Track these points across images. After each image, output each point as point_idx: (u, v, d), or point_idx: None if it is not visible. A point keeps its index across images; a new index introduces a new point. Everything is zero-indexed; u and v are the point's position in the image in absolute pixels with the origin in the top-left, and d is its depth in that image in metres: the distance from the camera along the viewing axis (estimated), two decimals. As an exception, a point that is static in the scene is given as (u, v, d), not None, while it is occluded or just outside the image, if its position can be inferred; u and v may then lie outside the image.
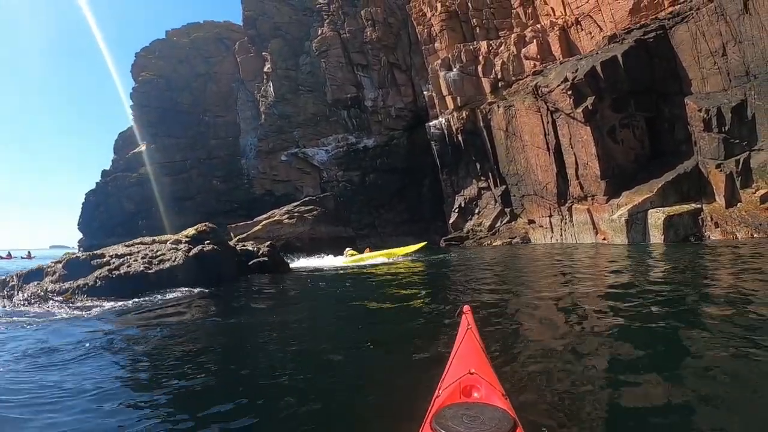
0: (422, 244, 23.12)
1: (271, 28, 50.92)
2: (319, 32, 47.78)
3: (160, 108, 51.87)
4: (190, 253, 14.28)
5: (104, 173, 52.58)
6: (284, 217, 29.42)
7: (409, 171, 43.88)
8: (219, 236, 17.38)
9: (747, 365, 4.50)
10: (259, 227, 28.88)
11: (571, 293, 9.33)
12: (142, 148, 50.18)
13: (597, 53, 26.59)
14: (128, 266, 13.13)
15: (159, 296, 11.86)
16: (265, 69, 49.96)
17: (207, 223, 17.41)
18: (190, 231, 16.53)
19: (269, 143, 48.85)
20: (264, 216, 30.89)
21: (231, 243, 19.80)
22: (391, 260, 21.76)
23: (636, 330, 6.02)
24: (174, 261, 13.60)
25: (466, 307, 4.35)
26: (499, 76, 34.52)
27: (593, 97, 24.48)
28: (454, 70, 36.93)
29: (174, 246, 14.74)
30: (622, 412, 3.74)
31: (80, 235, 52.54)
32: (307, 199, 33.91)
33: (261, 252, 19.10)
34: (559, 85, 25.77)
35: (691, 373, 4.39)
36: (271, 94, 48.98)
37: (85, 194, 52.45)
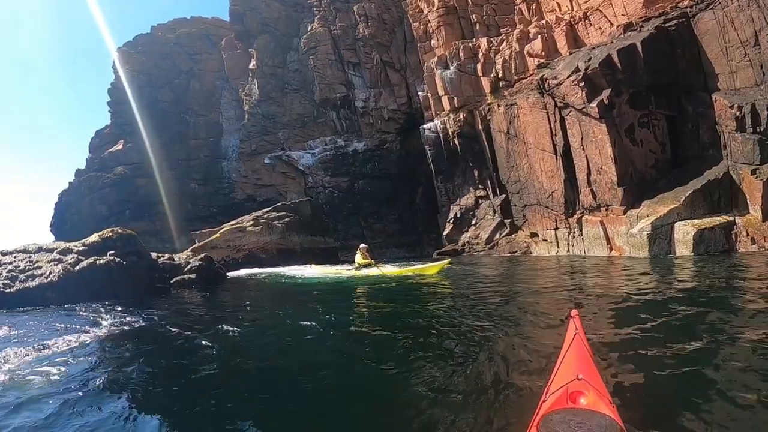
0: (446, 261, 18.27)
1: (259, 24, 48.17)
2: (309, 28, 44.96)
3: (138, 105, 48.70)
4: (77, 267, 11.15)
5: (78, 173, 49.43)
6: (249, 224, 26.20)
7: (402, 178, 41.06)
8: (133, 245, 14.20)
9: None
10: (217, 235, 25.71)
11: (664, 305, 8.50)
12: (119, 147, 47.12)
13: (612, 42, 23.49)
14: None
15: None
16: (251, 66, 47.07)
17: (117, 228, 14.35)
18: (93, 237, 13.43)
19: (252, 145, 45.91)
20: (231, 223, 27.74)
21: (154, 255, 16.52)
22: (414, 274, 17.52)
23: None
24: (48, 277, 10.49)
25: (573, 312, 4.56)
26: (500, 75, 31.48)
27: (609, 90, 21.35)
28: (452, 68, 33.97)
29: (59, 257, 11.61)
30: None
31: (53, 238, 49.19)
32: (280, 204, 30.89)
33: (189, 267, 15.85)
34: (569, 76, 22.65)
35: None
36: (256, 92, 46.12)
37: (59, 194, 49.28)
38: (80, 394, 4.94)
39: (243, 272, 24.14)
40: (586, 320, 6.90)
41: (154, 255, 16.24)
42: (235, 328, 8.08)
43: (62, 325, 8.48)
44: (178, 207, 45.26)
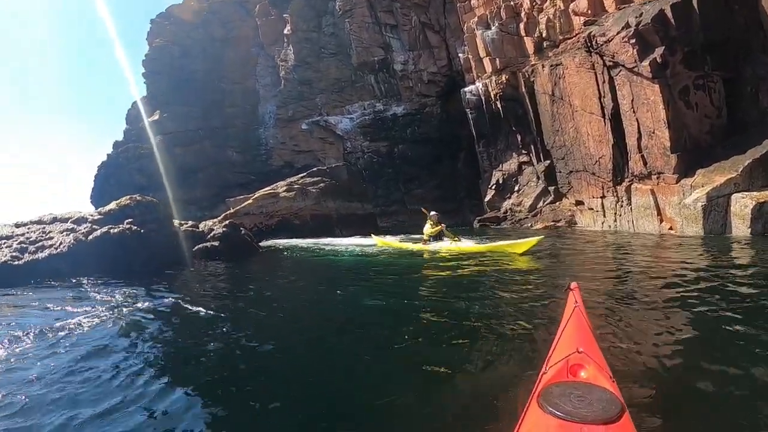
0: (539, 238, 14.06)
1: (293, -12, 46.91)
2: (345, -10, 43.59)
3: (173, 76, 48.92)
4: (90, 237, 10.71)
5: (116, 144, 50.07)
6: (282, 189, 25.59)
7: (443, 142, 40.07)
8: (153, 212, 13.68)
9: None
10: (249, 201, 25.20)
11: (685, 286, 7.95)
12: (155, 117, 47.15)
13: (665, -3, 21.78)
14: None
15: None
16: (285, 31, 46.13)
17: (136, 195, 13.86)
18: (111, 206, 13.01)
19: (289, 111, 45.31)
20: (265, 189, 27.24)
21: (177, 222, 15.88)
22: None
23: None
24: (57, 248, 10.10)
25: (573, 284, 4.44)
26: (543, 35, 29.84)
27: (662, 48, 19.69)
28: (493, 28, 32.49)
29: (72, 226, 11.22)
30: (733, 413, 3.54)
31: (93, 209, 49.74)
32: (315, 169, 30.22)
33: (213, 235, 15.26)
34: (619, 32, 21.03)
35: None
36: (291, 58, 45.30)
37: (97, 166, 49.94)
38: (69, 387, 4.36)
39: (281, 242, 23.42)
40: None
41: (176, 222, 15.69)
42: (265, 316, 7.35)
43: (61, 305, 7.89)
44: (216, 175, 45.23)
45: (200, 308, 7.38)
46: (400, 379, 4.49)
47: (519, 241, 13.88)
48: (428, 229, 16.47)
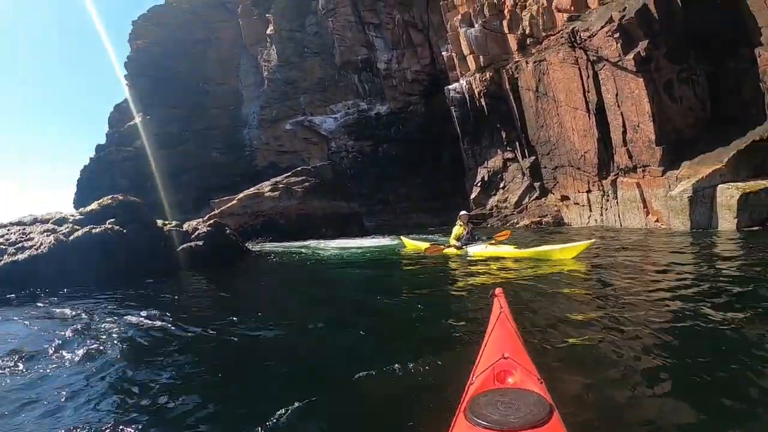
0: (590, 242, 11.91)
1: (275, -12, 46.64)
2: (328, -11, 43.43)
3: (156, 77, 48.23)
4: (71, 237, 10.51)
5: (98, 148, 49.36)
6: (267, 189, 25.42)
7: (427, 141, 39.91)
8: (136, 212, 13.46)
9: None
10: (234, 202, 25.01)
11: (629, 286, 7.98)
12: (138, 120, 46.63)
13: (649, -9, 21.90)
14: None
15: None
16: (268, 31, 45.88)
17: (118, 195, 13.63)
18: (92, 206, 12.79)
19: (273, 111, 44.91)
20: (250, 189, 27.07)
21: (160, 222, 15.46)
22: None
23: (696, 330, 5.30)
24: (38, 249, 9.91)
25: (498, 290, 4.50)
26: (527, 32, 29.87)
27: (646, 42, 19.81)
28: (476, 26, 32.49)
29: (53, 227, 11.02)
30: (654, 407, 3.63)
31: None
32: (300, 169, 30.09)
33: (197, 234, 14.96)
34: (603, 27, 21.10)
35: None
36: (275, 58, 44.92)
37: (80, 171, 49.28)
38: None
39: (276, 246, 22.46)
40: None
41: (160, 222, 15.29)
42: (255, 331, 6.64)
43: (38, 321, 7.47)
44: (200, 177, 44.79)
45: (180, 331, 6.61)
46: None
47: (568, 245, 11.72)
48: (457, 230, 14.44)
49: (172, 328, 6.76)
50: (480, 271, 11.25)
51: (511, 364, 3.14)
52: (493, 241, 13.92)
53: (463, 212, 15.18)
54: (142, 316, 7.35)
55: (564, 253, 11.56)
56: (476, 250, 13.46)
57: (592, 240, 12.00)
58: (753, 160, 17.87)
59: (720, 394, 3.71)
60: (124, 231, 12.22)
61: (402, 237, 18.93)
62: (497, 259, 12.41)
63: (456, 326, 6.11)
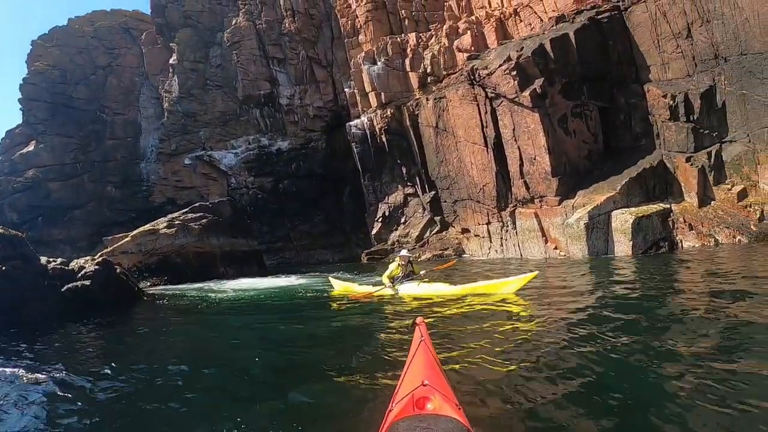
0: (532, 275, 10.87)
1: (181, 17, 45.32)
2: (233, 22, 42.82)
3: (52, 102, 45.23)
4: None
5: (-14, 177, 45.52)
6: (163, 226, 24.22)
7: (328, 177, 39.55)
8: (17, 247, 12.23)
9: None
10: (128, 239, 23.62)
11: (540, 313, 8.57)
12: (30, 148, 43.59)
13: (545, 33, 22.99)
14: None
15: None
16: (171, 61, 44.53)
17: None
18: None
19: (172, 144, 43.06)
20: (145, 226, 25.70)
21: (44, 259, 13.73)
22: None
23: (601, 352, 5.50)
24: None
25: (419, 319, 4.54)
26: (428, 70, 30.68)
27: (542, 80, 20.74)
28: (379, 63, 32.96)
29: None
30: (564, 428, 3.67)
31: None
32: (197, 205, 28.99)
33: (83, 273, 13.69)
34: (501, 65, 21.88)
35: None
36: (176, 89, 43.29)
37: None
38: None
39: (171, 288, 20.37)
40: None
41: (44, 260, 13.75)
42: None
43: None
44: (95, 212, 42.10)
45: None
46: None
47: (510, 279, 11.09)
48: (392, 268, 13.11)
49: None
50: (405, 302, 11.14)
51: (430, 391, 3.18)
52: (427, 279, 12.80)
53: (404, 252, 13.67)
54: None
55: (507, 287, 10.80)
56: (406, 290, 12.37)
57: (535, 273, 10.98)
58: (644, 186, 19.18)
59: (624, 412, 3.92)
60: (3, 268, 11.05)
61: (330, 277, 16.39)
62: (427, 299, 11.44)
63: (376, 356, 6.20)
